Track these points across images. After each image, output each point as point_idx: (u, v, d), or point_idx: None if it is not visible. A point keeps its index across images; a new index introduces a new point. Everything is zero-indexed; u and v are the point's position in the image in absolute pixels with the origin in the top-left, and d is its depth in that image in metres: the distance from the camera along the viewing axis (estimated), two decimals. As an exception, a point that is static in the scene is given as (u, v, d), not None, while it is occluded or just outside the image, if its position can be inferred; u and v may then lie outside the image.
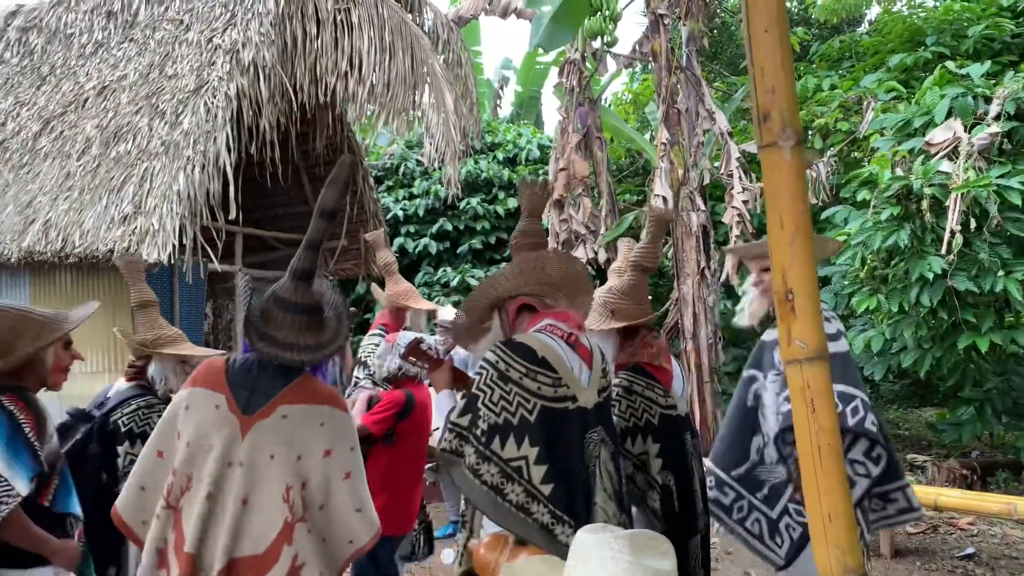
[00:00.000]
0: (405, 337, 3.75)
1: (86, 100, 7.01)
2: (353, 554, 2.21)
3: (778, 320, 1.47)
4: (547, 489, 2.09)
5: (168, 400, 2.89)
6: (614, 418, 2.57)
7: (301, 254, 2.25)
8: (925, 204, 5.53)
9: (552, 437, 2.14)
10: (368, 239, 4.48)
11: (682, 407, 2.90)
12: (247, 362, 2.26)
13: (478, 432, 2.14)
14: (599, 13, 7.70)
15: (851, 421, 2.46)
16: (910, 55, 7.54)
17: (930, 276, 5.46)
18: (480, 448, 2.12)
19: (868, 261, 5.97)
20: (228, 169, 6.01)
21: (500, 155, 11.43)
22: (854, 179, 6.38)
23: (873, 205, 5.94)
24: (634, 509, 2.63)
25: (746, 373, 2.84)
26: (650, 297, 2.99)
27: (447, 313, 5.56)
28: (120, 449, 2.87)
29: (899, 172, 5.85)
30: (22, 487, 2.31)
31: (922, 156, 5.85)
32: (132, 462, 2.57)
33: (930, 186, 5.53)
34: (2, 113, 7.34)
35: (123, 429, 2.89)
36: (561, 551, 2.03)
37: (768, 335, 2.83)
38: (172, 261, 5.82)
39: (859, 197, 6.27)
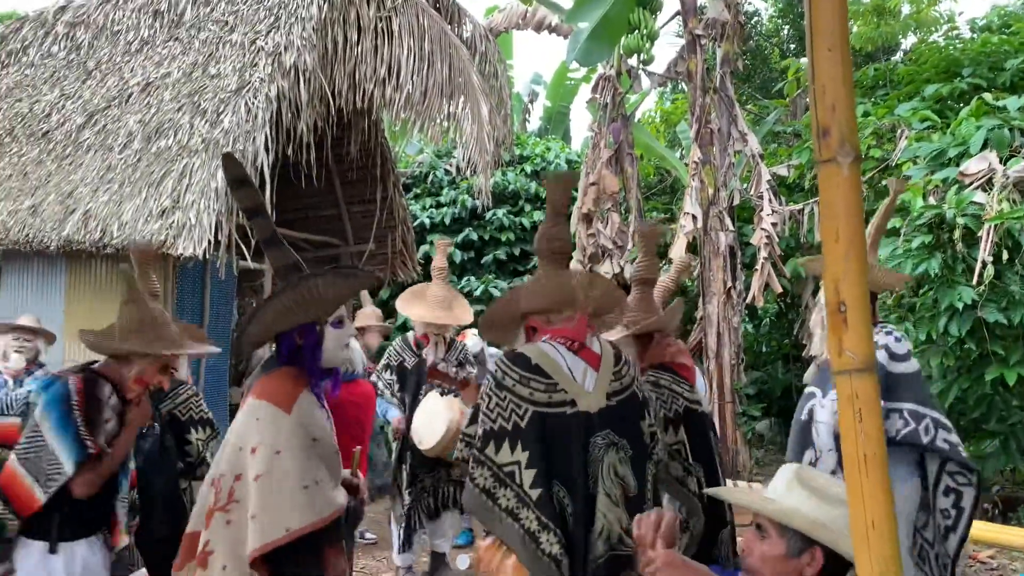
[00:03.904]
0: None
1: (130, 96, 7.15)
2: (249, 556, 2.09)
3: (829, 331, 1.51)
4: (535, 494, 2.15)
5: None
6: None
7: (270, 255, 2.30)
8: (957, 234, 5.53)
9: (547, 441, 2.20)
10: (437, 243, 4.86)
11: (705, 404, 3.05)
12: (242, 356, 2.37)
13: (476, 439, 2.24)
14: (637, 31, 7.77)
15: (924, 439, 2.50)
16: (946, 85, 7.53)
17: (960, 306, 5.44)
18: (476, 453, 2.22)
19: (896, 288, 5.96)
20: (265, 169, 6.11)
21: (528, 168, 11.51)
22: (885, 206, 6.37)
23: (904, 233, 5.93)
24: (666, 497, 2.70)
25: (807, 389, 2.90)
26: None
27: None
28: (191, 437, 2.97)
29: (932, 201, 5.85)
30: (68, 467, 2.44)
31: (956, 186, 5.85)
32: (203, 445, 2.73)
33: (963, 216, 5.53)
34: (48, 105, 7.50)
35: (183, 418, 3.02)
36: (541, 563, 2.12)
37: None
38: (206, 256, 5.92)
39: (889, 224, 6.26)
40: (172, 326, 2.66)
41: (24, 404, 2.56)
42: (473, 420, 2.33)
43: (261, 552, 2.05)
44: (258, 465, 2.12)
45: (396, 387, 4.76)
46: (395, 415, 4.69)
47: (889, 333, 2.73)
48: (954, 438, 2.53)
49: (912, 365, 2.61)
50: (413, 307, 4.73)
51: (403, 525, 4.67)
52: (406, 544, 4.70)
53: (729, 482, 6.41)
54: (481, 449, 2.21)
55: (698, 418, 2.85)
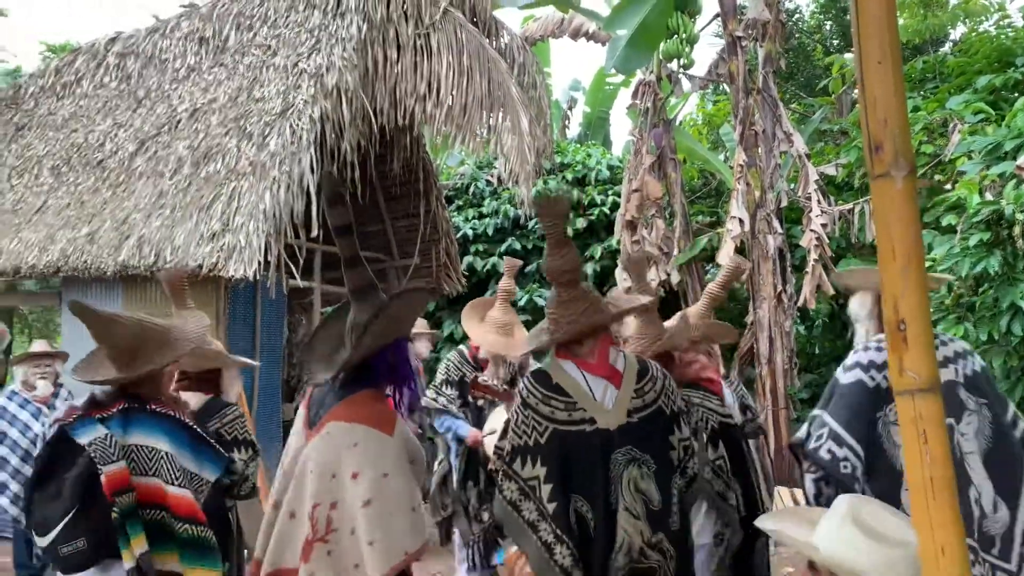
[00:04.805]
0: None
1: (179, 122, 7.34)
2: None
3: (889, 350, 1.46)
4: (552, 507, 2.21)
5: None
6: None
7: (349, 275, 2.30)
8: (1017, 230, 5.34)
9: (566, 458, 2.26)
10: (506, 263, 4.71)
11: (736, 416, 3.09)
12: (333, 381, 2.32)
13: (505, 453, 2.33)
14: (676, 36, 7.70)
15: (810, 445, 2.49)
16: (999, 76, 7.31)
17: (1022, 304, 5.27)
18: (504, 467, 2.31)
19: (955, 288, 5.79)
20: (311, 189, 6.21)
21: (569, 175, 11.47)
22: (940, 204, 6.20)
23: (960, 230, 5.76)
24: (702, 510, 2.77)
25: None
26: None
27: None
28: (235, 456, 3.02)
29: (989, 196, 5.68)
30: (212, 478, 2.54)
31: (1013, 180, 5.66)
32: (244, 466, 2.79)
33: (1022, 211, 5.35)
34: (101, 134, 7.74)
35: (228, 437, 3.05)
36: (553, 573, 2.17)
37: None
38: (256, 277, 6.03)
39: (944, 222, 6.09)
40: (154, 321, 2.62)
41: (118, 448, 2.51)
42: (502, 435, 2.41)
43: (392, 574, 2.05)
44: (366, 490, 2.09)
45: (459, 402, 4.66)
46: (467, 431, 4.53)
47: (867, 349, 2.57)
48: (842, 452, 2.39)
49: (851, 376, 2.51)
50: (473, 326, 4.64)
51: (478, 545, 4.56)
52: (484, 563, 4.58)
53: (785, 492, 6.27)
54: (509, 463, 2.30)
55: (732, 430, 2.92)
